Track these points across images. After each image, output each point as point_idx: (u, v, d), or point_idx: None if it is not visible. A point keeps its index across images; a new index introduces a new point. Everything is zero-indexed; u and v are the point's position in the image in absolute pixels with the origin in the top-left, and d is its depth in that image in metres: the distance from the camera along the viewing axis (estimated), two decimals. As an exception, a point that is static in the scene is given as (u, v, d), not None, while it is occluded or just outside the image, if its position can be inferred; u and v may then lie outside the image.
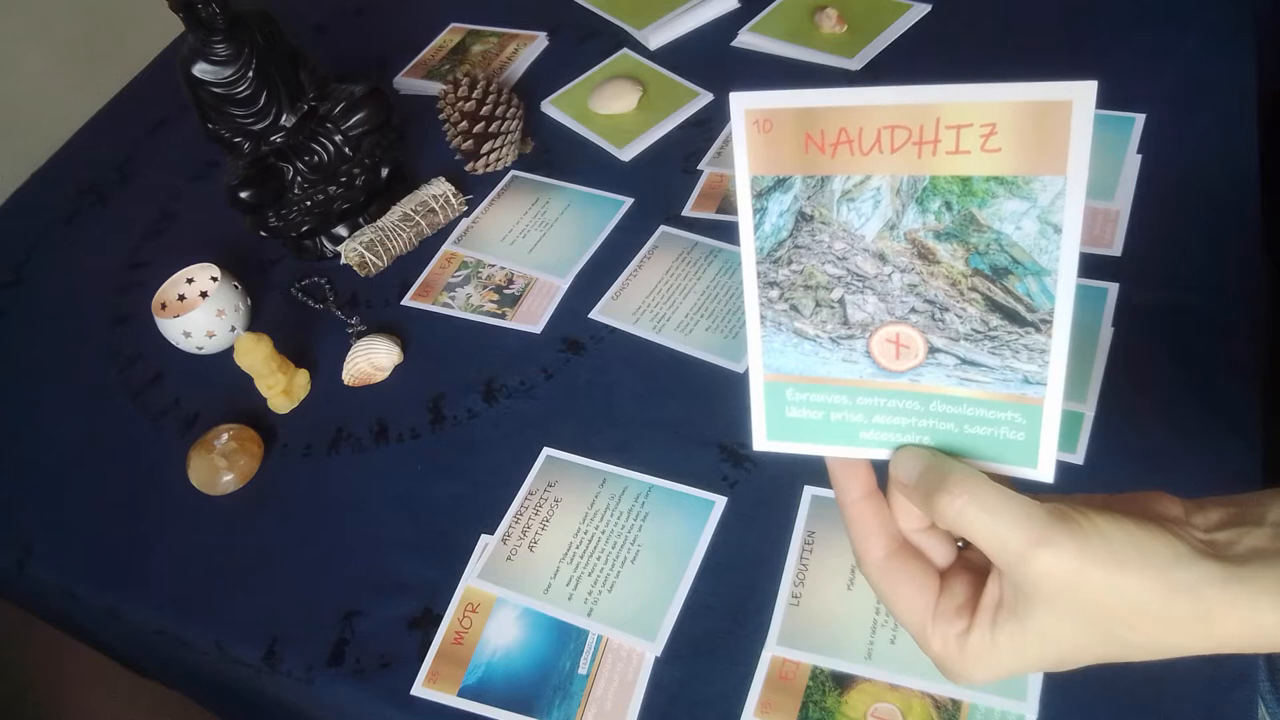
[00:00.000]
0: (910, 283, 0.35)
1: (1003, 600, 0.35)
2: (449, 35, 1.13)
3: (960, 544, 0.39)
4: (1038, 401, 0.35)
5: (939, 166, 0.33)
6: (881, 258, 0.35)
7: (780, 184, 0.35)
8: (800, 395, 0.38)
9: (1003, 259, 0.33)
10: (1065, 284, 0.33)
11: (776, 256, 0.36)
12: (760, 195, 0.35)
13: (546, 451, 0.72)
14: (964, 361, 0.35)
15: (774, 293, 0.37)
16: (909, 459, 0.37)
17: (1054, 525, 0.33)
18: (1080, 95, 0.30)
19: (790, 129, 0.34)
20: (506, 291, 0.85)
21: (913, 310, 0.35)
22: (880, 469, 0.39)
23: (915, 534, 0.39)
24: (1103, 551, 0.32)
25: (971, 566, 0.38)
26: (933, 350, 0.36)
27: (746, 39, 1.00)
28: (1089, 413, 0.64)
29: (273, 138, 0.88)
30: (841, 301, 0.36)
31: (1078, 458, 0.63)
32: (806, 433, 0.39)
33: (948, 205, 0.33)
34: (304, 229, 0.90)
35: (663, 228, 0.86)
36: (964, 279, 0.34)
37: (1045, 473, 0.36)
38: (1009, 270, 0.34)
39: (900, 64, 0.94)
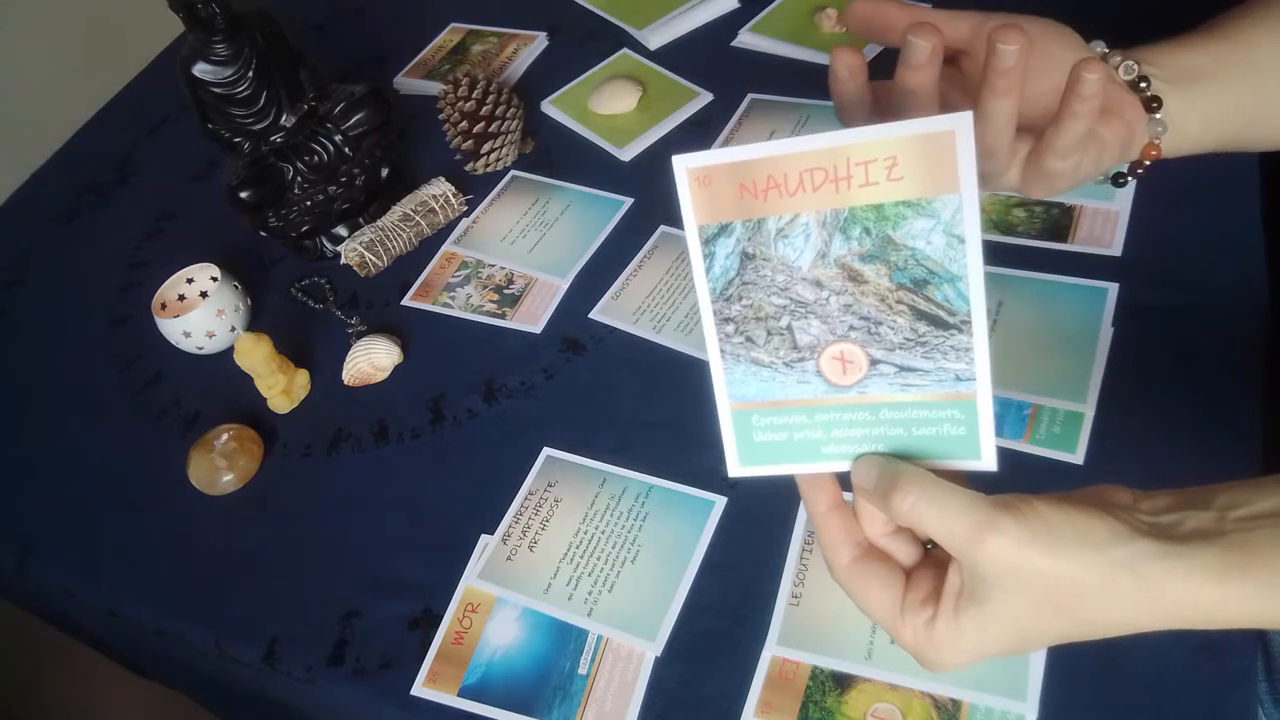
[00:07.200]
0: (846, 303, 0.39)
1: (963, 587, 0.38)
2: (449, 35, 1.13)
3: (929, 545, 0.42)
4: (971, 396, 0.39)
5: (855, 198, 0.37)
6: (818, 284, 0.39)
7: (723, 230, 0.39)
8: (764, 420, 0.41)
9: (920, 271, 0.38)
10: (975, 286, 0.37)
11: (728, 294, 0.40)
12: (708, 242, 0.39)
13: (546, 451, 0.72)
14: (902, 369, 0.39)
15: (730, 328, 0.40)
16: (866, 466, 0.40)
17: (998, 513, 0.36)
18: (960, 124, 0.35)
19: (726, 181, 0.38)
20: (506, 291, 0.85)
21: (851, 328, 0.39)
22: (845, 481, 0.42)
23: (881, 538, 0.42)
24: (1044, 533, 0.35)
25: (937, 562, 0.41)
26: (874, 362, 0.39)
27: (746, 39, 1.00)
28: (1089, 413, 0.64)
29: (273, 138, 0.88)
30: (789, 328, 0.40)
31: (1077, 458, 0.63)
32: (774, 454, 0.42)
33: (867, 231, 0.38)
34: (304, 229, 0.90)
35: (663, 228, 0.86)
36: (890, 294, 0.38)
37: (989, 462, 0.40)
38: (927, 280, 0.38)
39: (900, 64, 0.94)
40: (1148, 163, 0.51)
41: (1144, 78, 0.49)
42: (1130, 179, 0.52)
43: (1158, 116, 0.49)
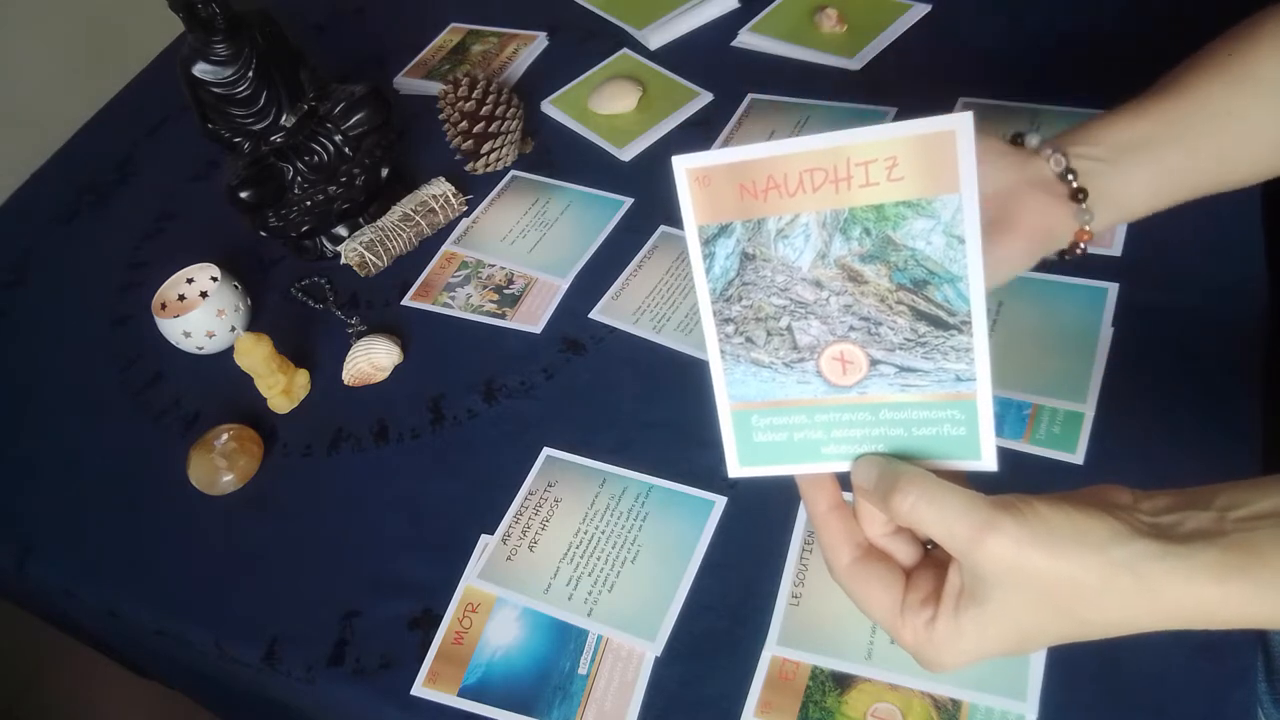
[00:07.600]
0: (846, 304, 0.39)
1: (963, 588, 0.38)
2: (449, 35, 1.13)
3: (929, 545, 0.42)
4: (971, 396, 0.39)
5: (855, 199, 0.37)
6: (818, 284, 0.39)
7: (723, 230, 0.39)
8: (764, 420, 0.41)
9: (920, 272, 0.38)
10: (975, 287, 0.37)
11: (728, 295, 0.40)
12: (708, 242, 0.39)
13: (546, 451, 0.72)
14: (902, 369, 0.39)
15: (730, 328, 0.40)
16: (866, 466, 0.40)
17: (997, 513, 0.36)
18: (961, 125, 0.35)
19: (726, 181, 0.38)
20: (506, 291, 0.85)
21: (851, 328, 0.39)
22: (845, 481, 0.42)
23: (881, 538, 0.42)
24: (1043, 533, 0.35)
25: (937, 563, 0.41)
26: (874, 363, 0.39)
27: (746, 39, 1.00)
28: (1089, 413, 0.64)
29: (273, 138, 0.88)
30: (789, 329, 0.40)
31: (1077, 458, 0.63)
32: (774, 455, 0.42)
33: (867, 231, 0.38)
34: (304, 229, 0.90)
35: (663, 228, 0.86)
36: (890, 294, 0.38)
37: (989, 462, 0.40)
38: (927, 281, 0.38)
39: (900, 64, 0.94)
40: (1083, 245, 0.51)
41: (1071, 170, 0.50)
42: (1067, 259, 0.52)
43: (1084, 206, 0.50)
